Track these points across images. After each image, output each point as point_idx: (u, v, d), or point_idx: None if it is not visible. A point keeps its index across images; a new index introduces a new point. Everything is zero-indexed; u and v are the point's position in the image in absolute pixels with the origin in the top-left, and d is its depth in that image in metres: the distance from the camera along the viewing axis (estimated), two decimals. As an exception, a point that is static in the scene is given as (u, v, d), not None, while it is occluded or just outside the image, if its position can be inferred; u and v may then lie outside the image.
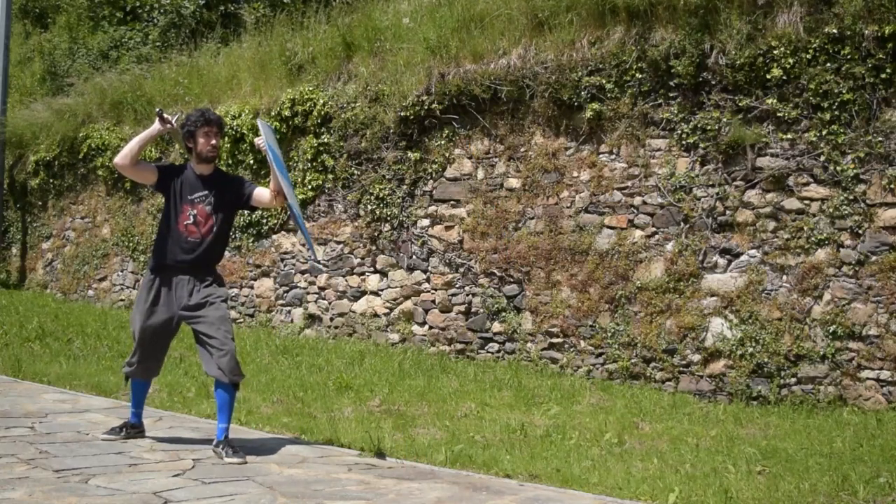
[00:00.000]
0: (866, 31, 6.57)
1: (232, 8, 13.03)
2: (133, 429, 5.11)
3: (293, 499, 3.93)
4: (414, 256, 8.96)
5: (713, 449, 5.33)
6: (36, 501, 3.70)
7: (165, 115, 4.97)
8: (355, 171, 9.48)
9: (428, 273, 8.85)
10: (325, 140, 9.66)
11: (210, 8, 13.45)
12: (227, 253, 10.75)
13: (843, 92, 6.66)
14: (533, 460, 4.91)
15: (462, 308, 8.55)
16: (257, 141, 5.08)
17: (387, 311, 9.15)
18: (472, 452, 5.04)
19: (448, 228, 8.70)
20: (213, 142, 4.95)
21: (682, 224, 7.38)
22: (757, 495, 4.20)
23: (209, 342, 4.76)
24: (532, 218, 8.19)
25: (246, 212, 10.38)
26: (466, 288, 8.54)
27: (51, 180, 13.46)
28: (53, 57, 15.20)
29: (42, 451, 4.66)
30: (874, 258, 6.59)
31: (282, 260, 10.16)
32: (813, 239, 6.80)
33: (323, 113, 9.63)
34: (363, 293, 9.32)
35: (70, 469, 4.29)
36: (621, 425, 5.96)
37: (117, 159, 4.95)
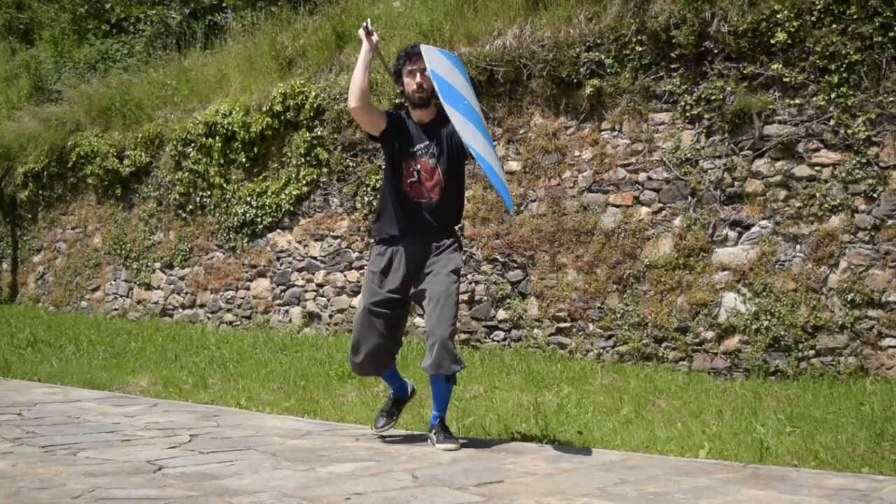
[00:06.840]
0: (872, -11, 6.39)
1: (219, 18, 12.81)
2: (402, 402, 4.40)
3: (298, 462, 3.67)
4: (413, 247, 8.71)
5: (738, 414, 5.07)
6: (20, 471, 3.43)
7: (370, 27, 4.25)
8: (350, 163, 9.25)
9: (428, 263, 8.60)
10: (319, 133, 9.43)
11: (196, 18, 13.26)
12: (221, 254, 10.57)
13: (851, 53, 6.46)
14: (549, 429, 4.65)
15: (465, 297, 8.29)
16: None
17: (387, 304, 8.88)
18: (485, 423, 4.78)
19: (448, 216, 8.47)
20: (418, 80, 4.20)
21: (689, 198, 7.15)
22: (793, 448, 3.95)
23: (425, 324, 4.04)
24: (534, 200, 7.96)
25: (239, 211, 10.20)
26: (469, 276, 8.28)
27: (40, 192, 13.20)
28: (40, 72, 14.98)
29: (29, 431, 4.40)
30: (890, 222, 6.37)
31: (278, 259, 9.90)
32: (826, 206, 6.58)
33: (315, 105, 9.41)
34: (362, 288, 9.07)
35: (58, 444, 4.03)
36: (637, 402, 5.70)
37: (350, 102, 4.24)
